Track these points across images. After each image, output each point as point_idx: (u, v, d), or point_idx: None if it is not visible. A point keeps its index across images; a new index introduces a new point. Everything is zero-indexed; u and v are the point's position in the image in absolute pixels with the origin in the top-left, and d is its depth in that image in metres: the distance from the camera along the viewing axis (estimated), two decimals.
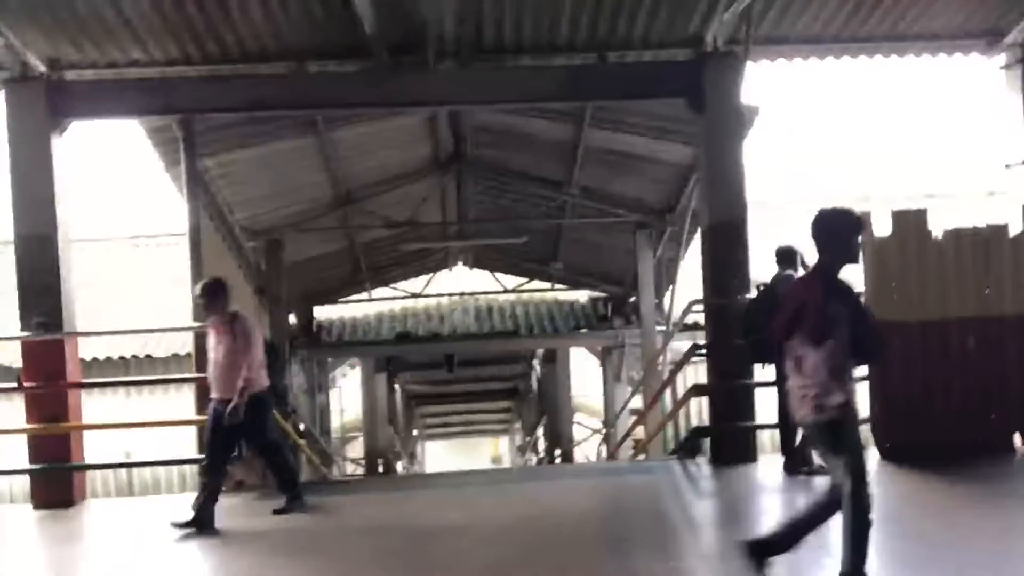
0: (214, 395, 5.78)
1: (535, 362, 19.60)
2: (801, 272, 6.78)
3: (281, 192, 10.65)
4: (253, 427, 5.75)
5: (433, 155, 11.40)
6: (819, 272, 3.56)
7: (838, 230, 3.56)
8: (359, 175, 11.07)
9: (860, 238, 3.64)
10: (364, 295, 15.37)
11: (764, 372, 7.15)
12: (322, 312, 15.06)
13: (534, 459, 23.61)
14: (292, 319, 13.21)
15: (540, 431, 22.34)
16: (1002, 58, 8.15)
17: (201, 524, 5.62)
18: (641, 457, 11.73)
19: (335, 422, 19.42)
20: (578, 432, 19.47)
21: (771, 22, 7.43)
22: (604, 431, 16.38)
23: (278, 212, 11.01)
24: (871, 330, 3.58)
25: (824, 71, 8.17)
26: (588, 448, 19.64)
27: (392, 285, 15.51)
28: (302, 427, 10.89)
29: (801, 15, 7.43)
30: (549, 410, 20.48)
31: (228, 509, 6.14)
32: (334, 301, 15.11)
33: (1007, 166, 8.34)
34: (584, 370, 17.60)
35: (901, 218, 6.55)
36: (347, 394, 19.10)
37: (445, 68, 7.61)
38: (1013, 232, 6.85)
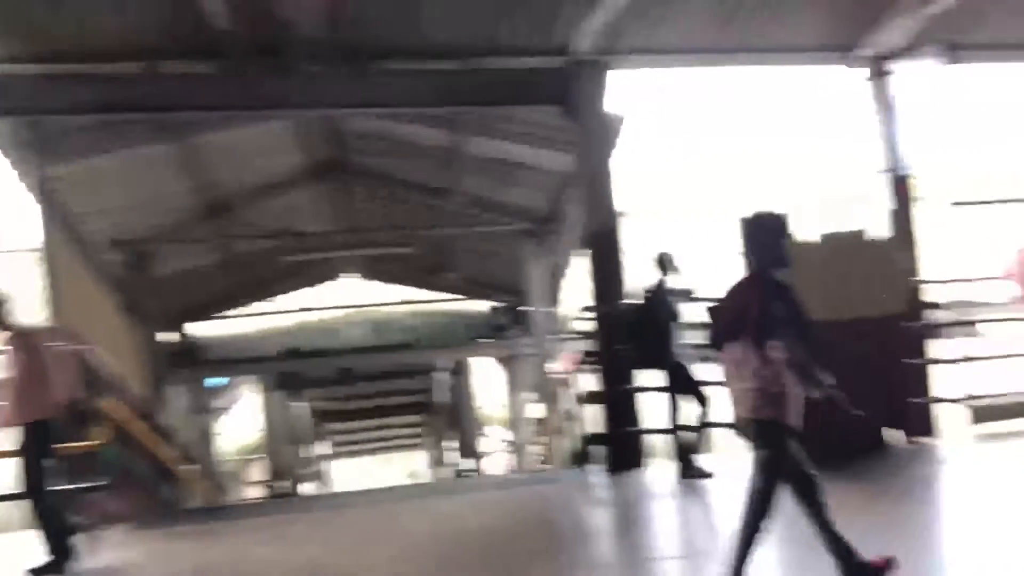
0: (10, 421, 5.15)
1: (443, 374, 19.37)
2: (673, 278, 6.88)
3: (146, 201, 10.04)
4: (28, 455, 5.12)
5: (312, 162, 11.02)
6: (757, 275, 3.58)
7: (769, 234, 3.60)
8: (232, 183, 10.58)
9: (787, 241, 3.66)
10: (247, 309, 14.75)
11: (652, 378, 7.22)
12: (201, 329, 14.32)
13: (446, 473, 23.37)
14: (166, 336, 12.50)
15: (452, 443, 22.16)
16: (866, 71, 8.46)
17: (58, 566, 5.08)
18: (542, 467, 11.72)
19: (234, 444, 18.67)
20: (490, 443, 19.41)
21: (638, 33, 7.47)
22: (511, 441, 16.32)
23: (144, 223, 10.39)
24: (812, 330, 3.57)
25: (695, 80, 8.38)
26: (500, 459, 19.58)
27: (278, 299, 14.93)
28: (178, 452, 10.28)
29: (667, 27, 7.51)
30: (457, 423, 20.33)
31: (98, 543, 5.65)
32: (213, 317, 14.40)
33: (878, 172, 8.63)
34: (495, 381, 17.49)
35: None
36: (246, 414, 18.41)
37: (310, 72, 7.31)
38: (881, 236, 7.14)
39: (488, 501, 6.89)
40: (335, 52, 7.29)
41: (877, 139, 8.35)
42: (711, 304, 5.65)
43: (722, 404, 7.47)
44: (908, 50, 7.90)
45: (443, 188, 11.16)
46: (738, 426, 3.72)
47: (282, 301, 15.09)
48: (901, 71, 8.08)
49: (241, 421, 18.70)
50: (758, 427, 3.55)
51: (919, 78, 8.13)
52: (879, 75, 8.17)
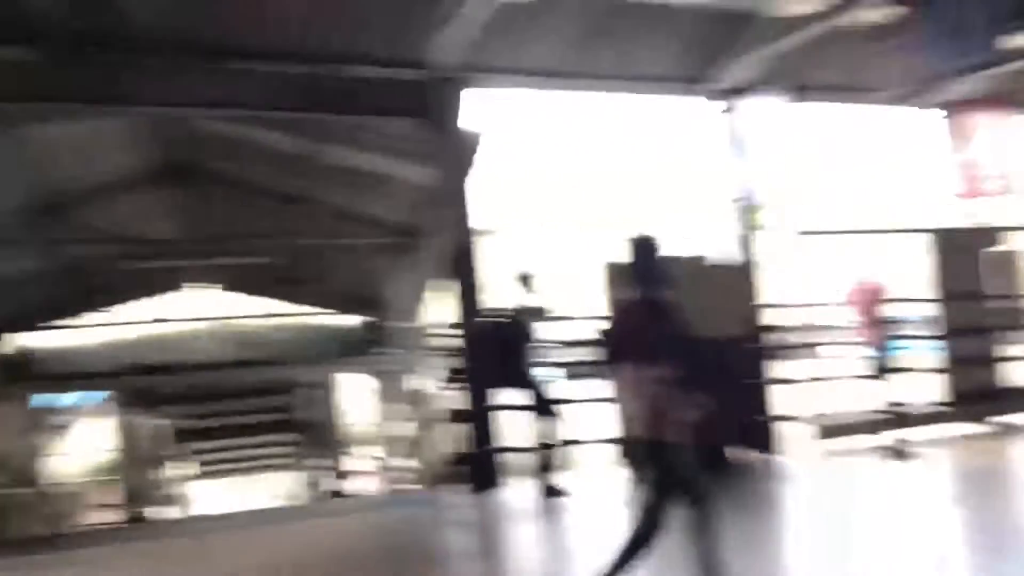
0: None
1: (311, 391, 18.70)
2: (532, 297, 6.95)
3: None
4: None
5: (160, 164, 10.31)
6: (645, 296, 3.66)
7: (652, 256, 3.70)
8: (65, 181, 9.71)
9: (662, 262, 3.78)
10: (90, 320, 13.61)
11: (512, 397, 7.16)
12: (35, 340, 13.05)
13: (316, 493, 22.61)
14: None
15: (322, 463, 21.45)
16: (722, 103, 8.78)
17: None
18: (407, 487, 11.53)
19: (81, 465, 17.28)
20: (359, 463, 18.88)
21: (498, 52, 7.49)
22: (379, 461, 15.93)
23: None
24: (700, 350, 3.72)
25: (559, 100, 8.55)
26: (369, 479, 19.08)
27: (127, 308, 13.86)
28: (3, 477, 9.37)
29: (526, 48, 7.59)
30: (327, 441, 19.70)
31: None
32: (46, 327, 13.14)
33: (735, 201, 8.95)
34: (365, 398, 17.01)
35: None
36: (95, 433, 17.07)
37: (151, 66, 6.80)
38: (728, 261, 7.39)
39: (350, 524, 6.73)
40: (179, 47, 6.82)
41: (730, 168, 8.67)
42: (602, 326, 5.80)
43: (580, 423, 7.58)
44: (756, 86, 8.28)
45: (303, 197, 10.73)
46: (630, 446, 3.79)
47: (133, 311, 14.02)
48: (751, 106, 8.45)
49: (90, 440, 17.33)
50: (650, 447, 3.59)
51: (768, 113, 8.51)
52: (730, 108, 8.52)
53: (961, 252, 9.01)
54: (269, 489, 33.19)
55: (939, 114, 9.25)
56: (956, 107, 9.02)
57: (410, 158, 8.99)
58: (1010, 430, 8.61)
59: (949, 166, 9.38)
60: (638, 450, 3.69)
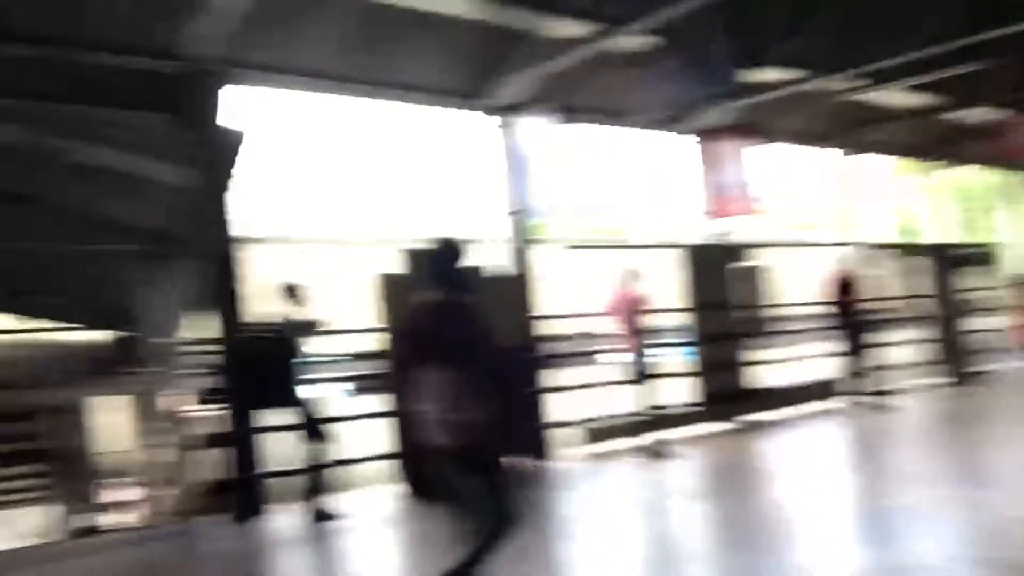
0: None
1: (59, 416, 16.67)
2: (299, 309, 6.64)
3: None
4: None
5: None
6: (443, 299, 3.61)
7: (451, 259, 3.66)
8: None
9: (464, 266, 3.72)
10: None
11: (276, 416, 6.78)
12: None
13: (65, 530, 20.22)
14: None
15: (74, 495, 19.22)
16: (498, 119, 8.92)
17: None
18: (165, 519, 10.63)
19: None
20: (115, 494, 17.23)
21: (263, 49, 7.07)
22: (136, 491, 14.54)
23: None
24: (492, 355, 3.67)
25: (324, 105, 8.24)
26: (125, 511, 17.48)
27: None
28: None
29: (293, 47, 7.23)
30: (79, 472, 17.74)
31: None
32: None
33: (510, 214, 9.10)
34: (119, 423, 15.46)
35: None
36: None
37: None
38: (503, 273, 7.44)
39: (101, 563, 6.11)
40: None
41: (505, 182, 8.83)
42: (396, 329, 5.66)
43: (352, 441, 7.31)
44: (526, 105, 8.51)
45: (35, 197, 9.42)
46: (421, 452, 3.62)
47: None
48: (524, 123, 8.68)
49: None
50: (461, 455, 3.51)
51: (539, 131, 8.78)
52: (505, 124, 8.70)
53: (710, 266, 9.87)
54: (12, 528, 29.33)
55: (692, 139, 10.04)
56: (706, 134, 9.82)
57: (163, 157, 8.20)
58: (754, 427, 9.56)
59: (701, 187, 10.20)
60: (433, 456, 3.57)
